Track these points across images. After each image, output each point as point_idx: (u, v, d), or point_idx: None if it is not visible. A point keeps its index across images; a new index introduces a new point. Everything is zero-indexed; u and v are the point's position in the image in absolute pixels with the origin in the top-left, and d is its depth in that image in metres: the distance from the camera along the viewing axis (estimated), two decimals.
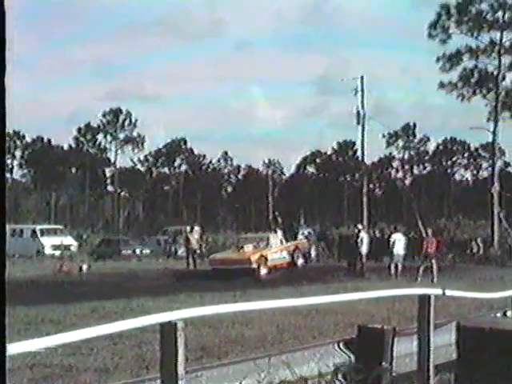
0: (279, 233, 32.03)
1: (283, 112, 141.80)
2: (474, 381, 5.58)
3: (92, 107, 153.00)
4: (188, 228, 38.79)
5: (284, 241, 31.61)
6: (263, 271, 29.06)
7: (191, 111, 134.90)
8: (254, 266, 28.84)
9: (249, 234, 41.73)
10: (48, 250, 46.58)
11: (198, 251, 36.18)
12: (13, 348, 3.62)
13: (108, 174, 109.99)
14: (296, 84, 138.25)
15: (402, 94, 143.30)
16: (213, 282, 24.64)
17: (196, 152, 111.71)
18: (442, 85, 47.18)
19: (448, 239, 44.33)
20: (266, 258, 29.59)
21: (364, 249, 29.26)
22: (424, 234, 28.26)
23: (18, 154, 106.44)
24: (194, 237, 36.18)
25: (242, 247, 30.58)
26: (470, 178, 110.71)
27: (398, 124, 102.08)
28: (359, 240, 29.41)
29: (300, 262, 31.71)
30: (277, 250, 30.67)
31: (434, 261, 26.60)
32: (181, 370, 4.77)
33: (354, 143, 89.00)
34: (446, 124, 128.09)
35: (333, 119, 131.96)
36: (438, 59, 46.25)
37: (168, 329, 4.78)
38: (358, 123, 48.91)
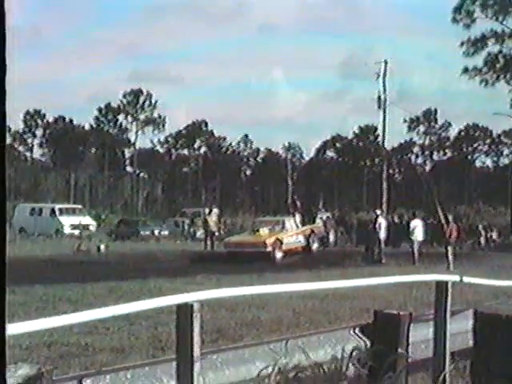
0: (297, 217, 31.89)
1: (305, 96, 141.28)
2: (490, 368, 5.54)
3: (115, 88, 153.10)
4: (206, 210, 38.88)
5: (300, 225, 31.49)
6: (278, 255, 28.96)
7: (213, 93, 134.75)
8: (269, 249, 28.74)
9: (265, 217, 41.66)
10: (67, 229, 46.89)
11: (217, 233, 36.28)
12: (13, 328, 3.63)
13: (127, 155, 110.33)
14: (319, 68, 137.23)
15: (425, 79, 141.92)
16: (230, 265, 24.68)
17: (216, 134, 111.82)
18: (465, 70, 46.83)
19: (466, 226, 44.06)
20: (282, 242, 29.46)
21: (382, 234, 29.14)
22: (443, 221, 28.04)
23: (38, 133, 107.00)
24: (213, 219, 36.26)
25: (258, 230, 30.45)
26: (490, 165, 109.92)
27: (422, 109, 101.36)
28: (377, 225, 29.29)
29: (315, 246, 31.59)
30: (292, 233, 30.57)
31: (450, 247, 26.48)
32: (196, 351, 4.78)
33: (375, 128, 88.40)
34: (468, 110, 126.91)
35: (356, 104, 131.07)
36: (462, 44, 45.89)
37: (184, 310, 4.78)
38: (380, 108, 48.69)
